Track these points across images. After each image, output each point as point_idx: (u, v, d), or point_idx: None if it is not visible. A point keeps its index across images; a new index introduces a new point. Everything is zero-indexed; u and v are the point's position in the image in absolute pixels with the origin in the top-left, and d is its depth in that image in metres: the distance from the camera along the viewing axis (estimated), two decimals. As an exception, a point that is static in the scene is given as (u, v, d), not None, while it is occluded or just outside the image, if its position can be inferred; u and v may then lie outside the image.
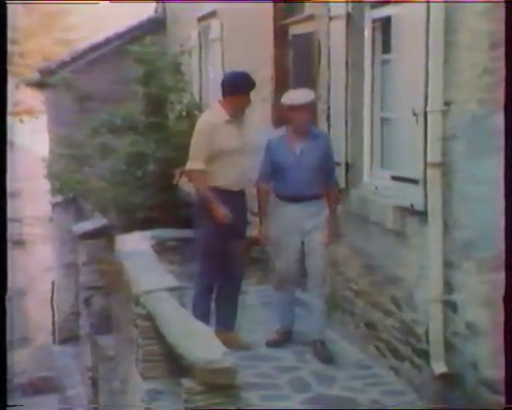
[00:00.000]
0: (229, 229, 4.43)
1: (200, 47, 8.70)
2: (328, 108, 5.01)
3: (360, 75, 4.69)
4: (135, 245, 5.10)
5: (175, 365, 3.42)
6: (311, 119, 4.62)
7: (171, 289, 4.01)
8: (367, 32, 4.65)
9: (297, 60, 5.91)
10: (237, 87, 4.51)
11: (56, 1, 8.41)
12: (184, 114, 7.29)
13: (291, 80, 6.01)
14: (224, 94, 4.56)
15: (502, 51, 3.03)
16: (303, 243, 4.54)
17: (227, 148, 4.45)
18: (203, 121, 4.61)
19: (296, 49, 5.92)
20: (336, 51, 4.87)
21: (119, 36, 10.65)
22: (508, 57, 1.76)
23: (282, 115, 5.98)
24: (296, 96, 4.52)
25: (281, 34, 6.08)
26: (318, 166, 4.45)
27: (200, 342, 3.32)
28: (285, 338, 4.71)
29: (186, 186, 7.41)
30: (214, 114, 4.60)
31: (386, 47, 4.49)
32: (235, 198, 4.53)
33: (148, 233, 5.84)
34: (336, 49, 4.87)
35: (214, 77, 8.02)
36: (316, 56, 5.26)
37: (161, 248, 5.79)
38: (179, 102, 7.34)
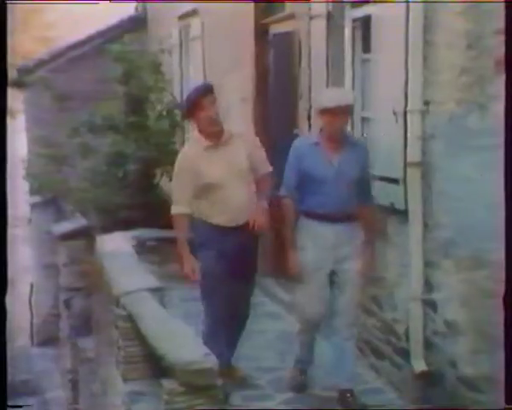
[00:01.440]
0: (232, 270, 3.87)
1: (181, 46, 8.66)
2: (310, 107, 5.02)
3: (341, 74, 4.69)
4: (115, 246, 5.07)
5: (156, 366, 3.40)
6: (347, 124, 3.94)
7: (152, 290, 3.99)
8: (347, 32, 4.66)
9: (278, 59, 5.92)
10: (192, 98, 3.86)
11: (57, 1, 8.34)
12: (165, 113, 7.27)
13: (272, 79, 6.01)
14: (189, 117, 4.05)
15: (478, 51, 3.06)
16: (334, 273, 3.79)
17: (214, 179, 3.83)
18: (180, 158, 4.00)
19: (277, 48, 5.92)
20: (317, 50, 4.87)
21: (99, 34, 10.55)
22: (508, 57, 1.76)
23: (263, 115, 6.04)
24: (334, 96, 3.80)
25: (261, 33, 6.07)
26: (356, 180, 3.74)
27: (181, 342, 3.31)
28: (304, 380, 4.05)
29: (167, 186, 7.42)
30: (192, 144, 4.02)
31: (367, 46, 4.50)
32: (235, 235, 3.87)
33: (128, 233, 5.80)
34: (317, 48, 4.87)
35: (195, 76, 8.00)
36: (296, 55, 5.26)
37: (142, 249, 5.76)
38: (159, 101, 7.31)
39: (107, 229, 5.84)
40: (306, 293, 3.81)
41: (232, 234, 3.87)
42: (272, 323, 5.23)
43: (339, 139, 3.76)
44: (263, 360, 4.50)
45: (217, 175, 3.83)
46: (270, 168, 4.06)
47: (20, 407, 3.41)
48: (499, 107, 2.88)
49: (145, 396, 3.49)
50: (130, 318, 3.75)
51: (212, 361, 3.06)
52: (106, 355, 4.46)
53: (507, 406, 1.81)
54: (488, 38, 2.97)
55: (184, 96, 8.28)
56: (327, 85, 4.74)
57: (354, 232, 3.76)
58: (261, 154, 4.07)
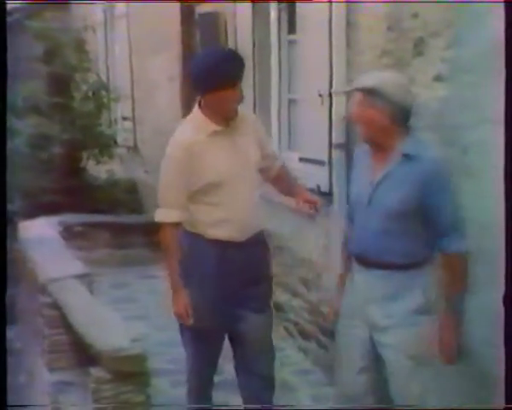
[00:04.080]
0: (239, 297, 2.91)
1: (106, 24, 8.45)
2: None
3: (267, 56, 4.70)
4: (40, 232, 4.95)
5: (83, 354, 3.36)
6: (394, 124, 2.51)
7: (79, 277, 3.92)
8: (273, 13, 4.66)
9: (204, 39, 5.85)
10: (221, 75, 2.71)
11: (57, 1, 8.00)
12: (90, 94, 7.10)
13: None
14: (200, 91, 2.82)
15: (398, 33, 3.12)
16: (373, 343, 2.61)
17: (218, 176, 2.81)
18: (174, 145, 2.85)
19: (203, 27, 5.85)
20: (242, 31, 4.85)
21: (16, 9, 10.13)
22: (508, 58, 1.79)
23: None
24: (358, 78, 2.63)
25: (187, 12, 5.99)
26: (405, 212, 2.47)
27: (108, 329, 3.28)
28: None
29: (94, 170, 7.27)
30: (191, 128, 2.86)
31: (292, 27, 4.51)
32: (241, 253, 2.86)
33: (54, 219, 5.67)
34: (242, 28, 4.85)
35: (121, 55, 7.84)
36: (222, 36, 5.22)
37: (69, 234, 5.64)
38: (85, 81, 7.14)
39: (31, 214, 5.67)
40: (340, 357, 2.80)
41: (239, 251, 2.86)
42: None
43: (382, 146, 2.53)
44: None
45: (222, 170, 2.81)
46: (282, 162, 3.22)
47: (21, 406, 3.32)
48: (419, 89, 2.95)
49: (72, 386, 3.44)
50: (56, 305, 3.68)
51: (139, 347, 3.04)
52: (31, 345, 4.36)
53: (507, 406, 1.85)
54: (406, 20, 3.03)
55: (111, 77, 8.27)
56: (254, 67, 4.72)
57: (410, 288, 2.52)
58: (270, 145, 3.21)
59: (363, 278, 2.61)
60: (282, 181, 3.14)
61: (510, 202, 1.81)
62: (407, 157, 2.46)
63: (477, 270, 2.57)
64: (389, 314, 2.52)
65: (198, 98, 2.87)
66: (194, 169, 2.78)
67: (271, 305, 3.11)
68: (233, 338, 3.03)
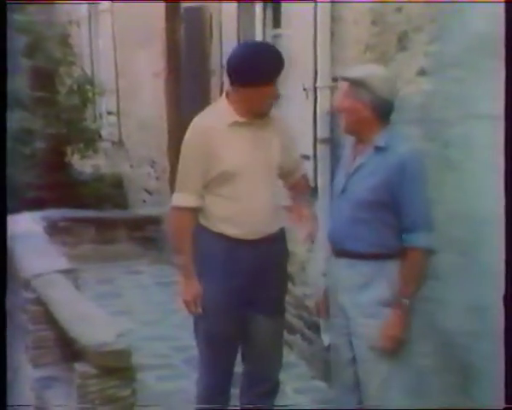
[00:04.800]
0: (249, 298, 2.81)
1: (90, 18, 8.40)
2: (222, 83, 4.99)
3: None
4: (24, 227, 4.91)
5: (68, 350, 3.34)
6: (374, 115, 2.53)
7: (64, 272, 3.90)
8: (258, 6, 4.65)
9: (189, 34, 5.84)
10: (258, 72, 2.64)
11: (57, 1, 7.93)
12: (75, 88, 7.07)
13: (184, 55, 5.93)
14: (233, 82, 2.74)
15: (382, 27, 3.13)
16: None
17: (235, 168, 2.72)
18: (193, 129, 2.82)
19: (188, 22, 5.84)
20: (228, 25, 4.84)
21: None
22: (508, 57, 1.80)
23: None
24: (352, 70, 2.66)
25: (172, 7, 5.97)
26: (374, 202, 2.49)
27: (93, 324, 3.27)
28: None
29: (79, 164, 7.23)
30: (213, 115, 2.84)
31: (277, 22, 4.51)
32: (251, 252, 2.76)
33: (38, 214, 5.62)
34: (228, 22, 4.84)
35: (104, 49, 7.79)
36: (208, 30, 5.21)
37: (53, 230, 5.60)
38: (69, 75, 7.10)
39: (15, 210, 5.63)
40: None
41: (254, 248, 2.75)
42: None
43: (361, 138, 2.57)
44: (178, 340, 4.50)
45: (239, 162, 2.72)
46: (304, 171, 3.11)
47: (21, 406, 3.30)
48: (401, 83, 2.97)
49: (57, 381, 3.42)
50: (40, 301, 3.66)
51: (124, 343, 3.03)
52: (15, 341, 4.34)
53: (507, 406, 1.86)
54: (390, 14, 3.04)
55: (96, 71, 8.23)
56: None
57: (373, 279, 2.52)
58: (297, 152, 3.06)
59: (335, 267, 2.64)
60: (298, 191, 3.01)
61: (510, 201, 1.82)
62: (379, 149, 2.49)
63: (453, 260, 2.60)
64: (356, 304, 2.53)
65: (226, 89, 2.83)
66: (211, 156, 2.71)
67: (284, 309, 3.01)
68: (242, 340, 2.92)
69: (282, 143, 2.83)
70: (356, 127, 2.54)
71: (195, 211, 2.79)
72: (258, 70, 2.64)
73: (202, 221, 2.81)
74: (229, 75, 2.74)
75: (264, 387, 2.93)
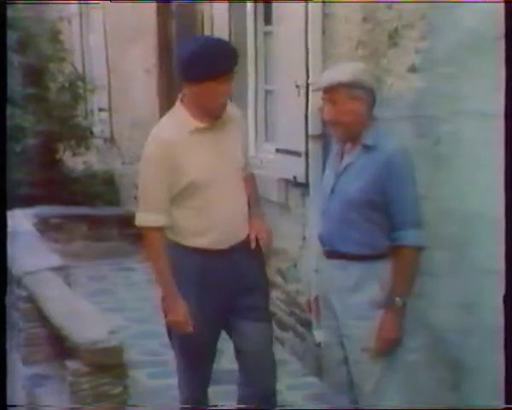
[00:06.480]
0: (230, 308, 2.70)
1: (81, 14, 8.36)
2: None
3: (243, 46, 4.68)
4: (15, 224, 4.89)
5: (60, 347, 3.34)
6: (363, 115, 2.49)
7: (55, 269, 3.90)
8: (249, 3, 4.65)
9: (180, 30, 5.82)
10: (211, 63, 2.49)
11: (57, 1, 7.86)
12: (66, 85, 7.03)
13: (175, 51, 5.91)
14: (188, 79, 2.56)
15: (373, 24, 3.13)
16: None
17: (201, 178, 2.58)
18: (153, 144, 2.61)
19: (179, 18, 5.82)
20: (219, 21, 4.83)
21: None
22: (508, 57, 1.80)
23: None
24: (326, 74, 2.64)
25: (163, 3, 5.96)
26: (364, 202, 2.45)
27: (85, 322, 3.27)
28: None
29: (70, 161, 7.20)
30: (171, 124, 2.63)
31: (269, 18, 4.51)
32: (223, 261, 2.65)
33: (29, 211, 5.62)
34: (219, 19, 4.83)
35: (96, 46, 7.77)
36: (199, 26, 5.20)
37: (45, 227, 5.60)
38: (60, 72, 7.06)
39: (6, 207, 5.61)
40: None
41: (226, 258, 2.64)
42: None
43: (351, 137, 2.51)
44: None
45: (205, 171, 2.58)
46: (252, 172, 2.96)
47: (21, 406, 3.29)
48: (392, 80, 2.97)
49: (48, 379, 3.42)
50: (31, 298, 3.65)
51: (116, 340, 3.03)
52: (6, 339, 4.33)
53: (507, 406, 1.87)
54: (381, 11, 3.04)
55: (87, 67, 8.18)
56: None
57: (364, 280, 2.48)
58: (248, 149, 2.93)
59: (325, 268, 2.60)
60: (247, 190, 2.80)
61: (510, 199, 1.83)
62: (367, 148, 2.45)
63: (442, 256, 2.60)
64: (347, 306, 2.49)
65: (181, 93, 2.64)
66: (175, 169, 2.54)
67: (269, 314, 2.88)
68: (235, 350, 2.82)
69: (243, 141, 2.76)
70: (355, 129, 2.47)
71: (162, 229, 2.62)
72: (209, 63, 2.47)
73: (171, 236, 2.66)
74: (181, 73, 2.55)
75: (260, 396, 2.78)
